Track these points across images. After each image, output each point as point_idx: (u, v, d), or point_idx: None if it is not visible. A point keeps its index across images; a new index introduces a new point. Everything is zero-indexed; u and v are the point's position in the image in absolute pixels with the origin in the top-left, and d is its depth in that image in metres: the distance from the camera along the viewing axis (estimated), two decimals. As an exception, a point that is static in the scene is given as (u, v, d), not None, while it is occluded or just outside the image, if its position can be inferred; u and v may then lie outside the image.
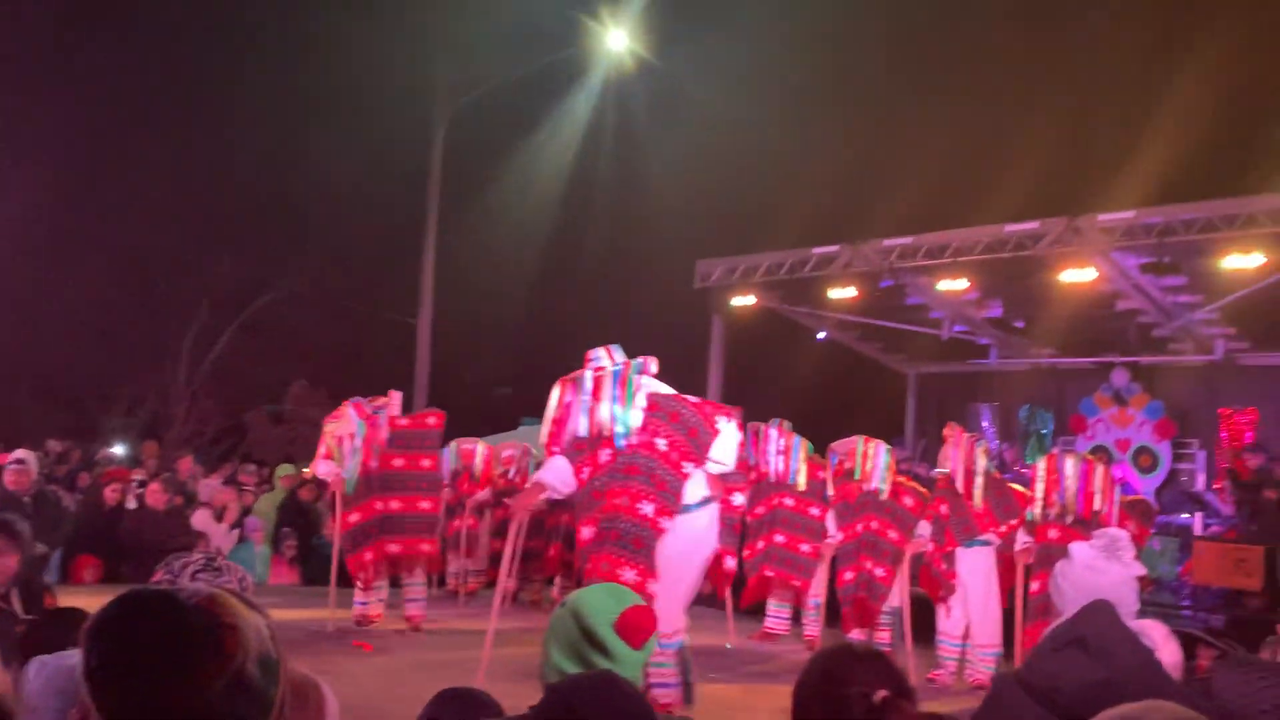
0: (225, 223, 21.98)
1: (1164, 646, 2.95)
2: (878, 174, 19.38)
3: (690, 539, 5.93)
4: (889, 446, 8.32)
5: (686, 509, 5.91)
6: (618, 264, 23.92)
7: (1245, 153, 14.43)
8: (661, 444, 5.81)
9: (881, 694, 1.70)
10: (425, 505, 8.07)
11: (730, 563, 7.76)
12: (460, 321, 21.79)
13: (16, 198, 18.12)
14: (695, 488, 5.93)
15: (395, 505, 7.92)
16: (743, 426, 7.01)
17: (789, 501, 8.72)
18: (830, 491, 8.40)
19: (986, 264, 11.61)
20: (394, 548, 7.91)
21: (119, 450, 16.95)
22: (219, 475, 12.69)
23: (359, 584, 7.87)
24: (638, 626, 2.20)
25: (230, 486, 11.59)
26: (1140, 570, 7.01)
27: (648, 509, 5.71)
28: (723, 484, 6.72)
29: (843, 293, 12.74)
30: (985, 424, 15.27)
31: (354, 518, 7.86)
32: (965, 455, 7.57)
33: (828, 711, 1.73)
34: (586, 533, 5.90)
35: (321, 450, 8.02)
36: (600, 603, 2.27)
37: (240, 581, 2.49)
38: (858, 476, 8.10)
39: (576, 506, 6.18)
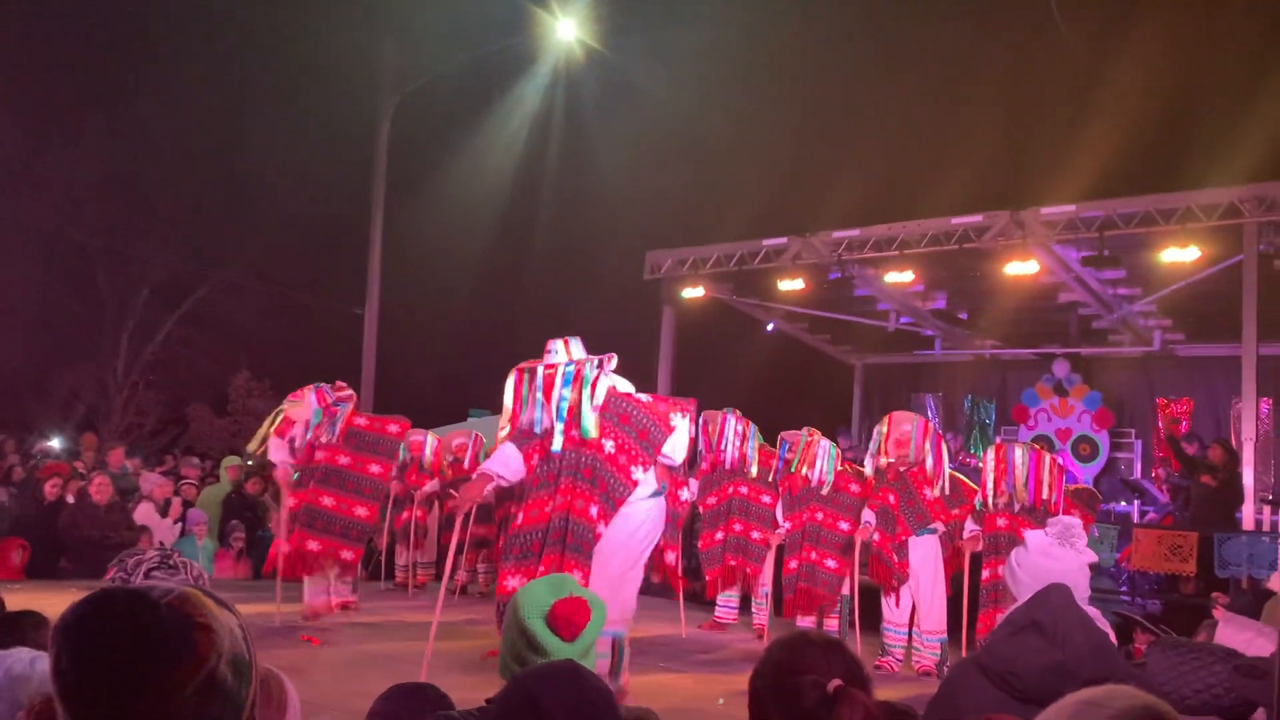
0: (164, 212, 21.53)
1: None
2: (827, 167, 19.51)
3: (634, 530, 5.96)
4: (833, 443, 8.43)
5: (633, 502, 5.94)
6: (567, 255, 23.86)
7: (1182, 147, 14.77)
8: (609, 446, 5.79)
9: (835, 683, 1.70)
10: (361, 512, 7.58)
11: (671, 556, 7.80)
12: (408, 313, 21.59)
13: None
14: (644, 484, 5.96)
15: (328, 502, 7.46)
16: (694, 418, 7.03)
17: (743, 490, 8.80)
18: (775, 479, 8.49)
19: (932, 256, 11.76)
20: (313, 545, 7.40)
21: (55, 443, 16.55)
22: (161, 469, 12.45)
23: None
24: (567, 619, 2.18)
25: (171, 480, 11.38)
26: (1092, 557, 7.19)
27: (593, 511, 5.73)
28: (670, 475, 6.77)
29: (792, 284, 12.83)
30: (930, 414, 15.48)
31: (291, 502, 7.55)
32: (934, 445, 7.68)
33: (782, 700, 1.73)
34: (521, 520, 5.85)
35: (271, 428, 7.55)
36: (536, 596, 2.26)
37: (196, 579, 2.45)
38: (803, 471, 8.22)
39: (525, 486, 6.04)
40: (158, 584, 1.21)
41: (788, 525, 8.39)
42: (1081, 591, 3.30)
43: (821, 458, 8.21)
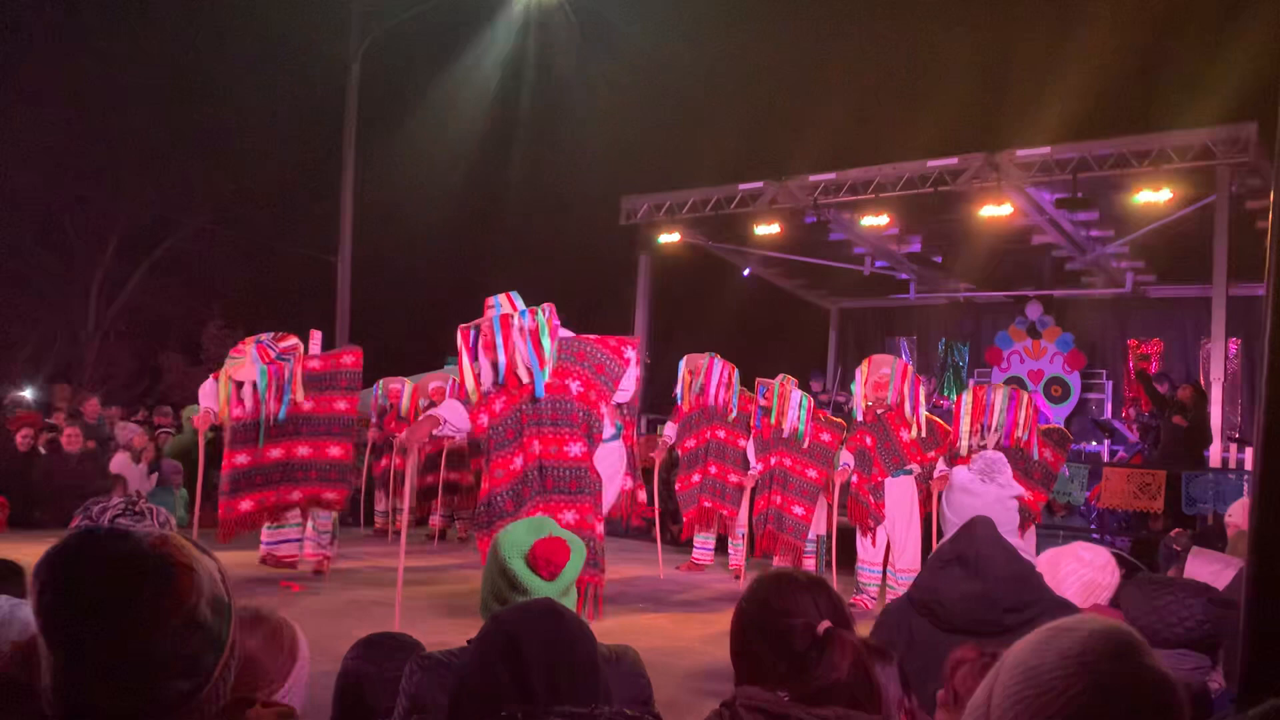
0: (130, 158, 21.14)
1: (1115, 569, 3.07)
2: (802, 110, 19.40)
3: (607, 474, 6.05)
4: (805, 394, 8.50)
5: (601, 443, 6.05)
6: (542, 201, 23.69)
7: (1155, 89, 14.76)
8: (575, 386, 5.94)
9: (824, 625, 1.72)
10: (335, 451, 7.40)
11: (642, 495, 7.94)
12: (381, 259, 21.41)
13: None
14: (606, 427, 6.06)
15: (304, 451, 7.28)
16: (638, 357, 7.13)
17: (720, 433, 8.88)
18: (755, 422, 8.57)
19: (907, 200, 11.76)
20: (296, 495, 7.27)
21: (27, 394, 16.40)
22: (135, 418, 12.37)
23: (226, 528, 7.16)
24: (547, 559, 2.20)
25: (146, 429, 11.31)
26: (1016, 490, 7.33)
27: (575, 450, 5.84)
28: (623, 416, 6.86)
29: (767, 229, 12.82)
30: (904, 357, 15.59)
31: (241, 459, 7.19)
32: (912, 388, 7.75)
33: (770, 642, 1.74)
34: (499, 474, 5.98)
35: (208, 385, 7.36)
36: (516, 536, 2.28)
37: (163, 525, 2.44)
38: (773, 418, 8.32)
39: (484, 449, 6.19)
40: (138, 528, 1.21)
41: (759, 467, 8.50)
42: (1007, 524, 3.36)
43: (793, 407, 8.29)
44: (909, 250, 14.28)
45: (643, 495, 7.97)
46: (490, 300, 6.13)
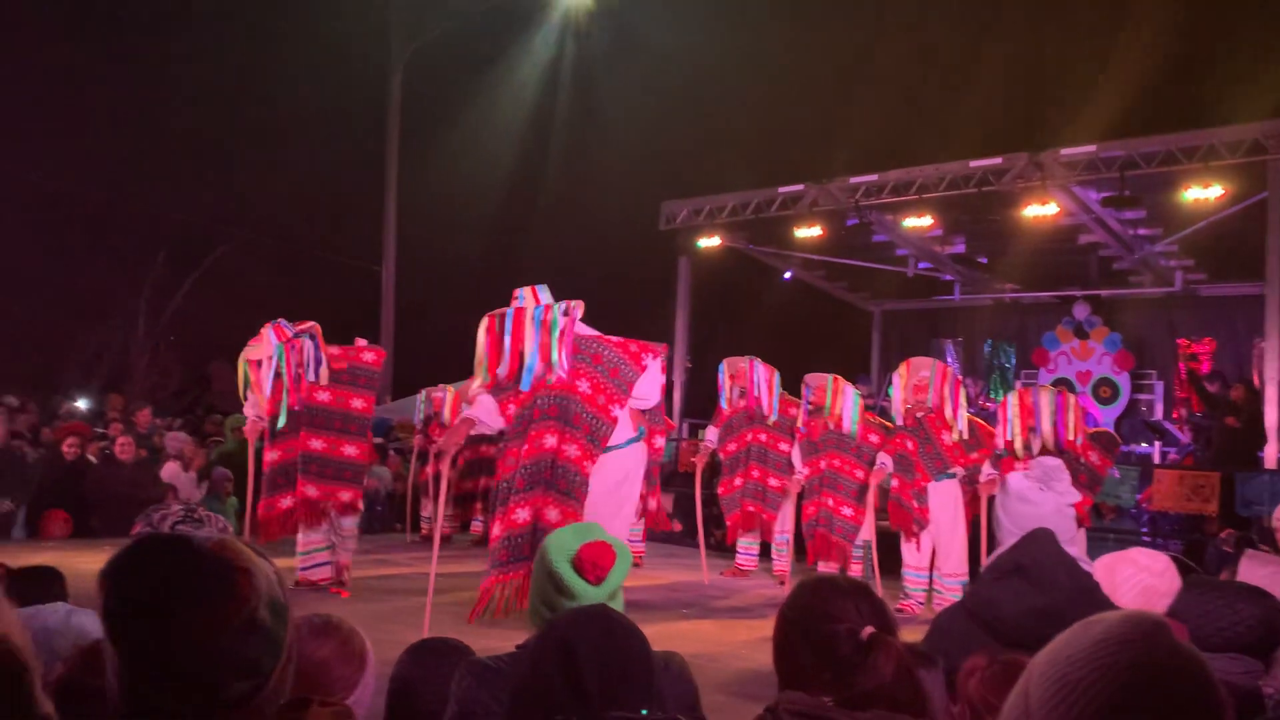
0: (177, 171, 21.53)
1: (1176, 575, 3.01)
2: (842, 111, 19.29)
3: (619, 480, 6.07)
4: (857, 390, 8.45)
5: (615, 448, 6.03)
6: (582, 206, 23.75)
7: (1205, 84, 14.51)
8: (584, 386, 5.94)
9: (868, 630, 1.71)
10: (350, 451, 7.09)
11: (653, 503, 7.93)
12: (424, 267, 21.60)
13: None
14: (622, 428, 6.04)
15: (317, 445, 6.99)
16: (665, 364, 7.10)
17: (762, 436, 8.85)
18: (802, 422, 8.49)
19: (950, 200, 11.65)
20: (311, 491, 6.97)
21: (81, 404, 16.73)
22: (185, 427, 12.57)
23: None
24: (593, 562, 2.19)
25: (197, 438, 11.50)
26: (1075, 497, 7.21)
27: (572, 451, 5.86)
28: (646, 420, 6.86)
29: (808, 232, 12.76)
30: (949, 359, 15.44)
31: (273, 455, 7.04)
32: (953, 391, 7.68)
33: (814, 647, 1.72)
34: (500, 468, 6.07)
35: (243, 378, 7.11)
36: (562, 541, 2.27)
37: (221, 531, 2.48)
38: (827, 415, 8.22)
39: (504, 442, 6.26)
40: (199, 532, 1.24)
41: (805, 471, 8.43)
42: (1066, 532, 3.29)
43: (848, 405, 8.21)
44: (953, 251, 14.15)
45: (653, 504, 7.98)
46: (516, 292, 6.17)
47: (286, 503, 7.03)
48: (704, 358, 13.99)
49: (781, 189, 12.82)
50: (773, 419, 8.80)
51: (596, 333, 6.25)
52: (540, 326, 5.91)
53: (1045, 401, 7.35)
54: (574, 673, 1.60)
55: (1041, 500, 3.46)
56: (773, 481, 8.76)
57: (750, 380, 8.82)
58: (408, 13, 18.15)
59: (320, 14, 20.00)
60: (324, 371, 7.02)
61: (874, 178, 12.04)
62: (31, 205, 19.78)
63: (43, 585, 3.09)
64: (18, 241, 19.58)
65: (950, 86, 18.95)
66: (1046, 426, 7.30)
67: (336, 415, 7.07)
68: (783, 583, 8.61)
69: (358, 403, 7.18)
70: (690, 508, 9.45)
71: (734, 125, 21.88)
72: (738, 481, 8.92)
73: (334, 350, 7.18)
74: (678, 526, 10.89)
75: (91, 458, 9.88)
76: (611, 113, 22.63)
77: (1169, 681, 1.01)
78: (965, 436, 7.67)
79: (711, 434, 9.20)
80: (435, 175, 22.05)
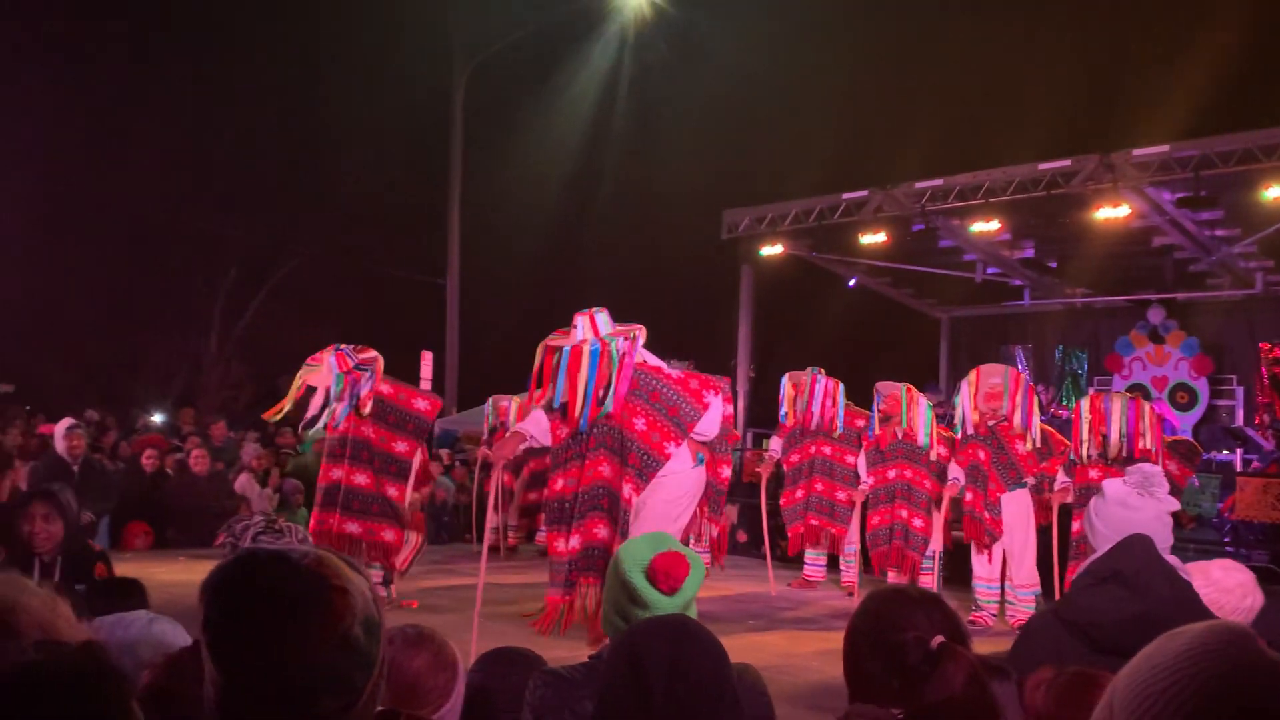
0: (245, 188, 22.05)
1: (1253, 593, 2.92)
2: (906, 115, 19.10)
3: (671, 497, 6.06)
4: (929, 400, 8.35)
5: (671, 471, 6.07)
6: (644, 217, 23.82)
7: (1283, 81, 14.10)
8: (640, 424, 5.93)
9: (938, 639, 1.67)
10: (391, 492, 6.93)
11: (714, 530, 7.86)
12: (487, 279, 21.82)
13: (33, 170, 18.21)
14: (679, 458, 6.05)
15: (362, 481, 6.86)
16: (728, 396, 7.07)
17: (826, 450, 8.77)
18: (875, 430, 8.38)
19: (1019, 204, 11.44)
20: (353, 528, 6.83)
21: (157, 419, 17.17)
22: (258, 439, 12.82)
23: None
24: (666, 572, 2.17)
25: (271, 450, 11.72)
26: (1174, 505, 7.00)
27: (625, 490, 5.88)
28: (709, 451, 6.82)
29: (873, 238, 12.61)
30: (1020, 366, 15.16)
31: (336, 474, 6.91)
32: (1026, 398, 7.54)
33: (883, 657, 1.70)
34: (559, 485, 6.13)
35: (293, 393, 6.86)
36: (636, 550, 2.26)
37: (301, 542, 2.52)
38: (903, 426, 8.13)
39: (553, 460, 6.30)
40: (298, 548, 1.27)
41: (869, 481, 8.33)
42: (1163, 540, 3.20)
43: (921, 416, 8.11)
44: (1022, 256, 13.89)
45: (715, 530, 7.89)
46: (576, 319, 6.11)
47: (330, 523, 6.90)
48: (767, 367, 13.92)
49: (845, 195, 12.70)
50: (838, 433, 8.71)
51: (658, 363, 6.22)
52: (597, 362, 5.90)
53: (1116, 408, 7.18)
54: (641, 683, 1.59)
55: (1142, 506, 3.36)
56: (840, 495, 8.66)
57: (811, 394, 8.73)
58: (469, 29, 18.37)
59: (384, 32, 20.37)
60: (361, 399, 6.85)
61: (940, 182, 11.87)
62: (102, 223, 20.38)
63: (125, 595, 3.17)
64: (89, 259, 20.20)
65: (1015, 88, 18.66)
66: (1115, 435, 7.13)
67: (378, 455, 6.92)
68: (851, 594, 8.50)
69: (400, 446, 7.00)
70: (755, 518, 9.37)
71: (796, 132, 21.77)
72: (799, 494, 8.85)
73: (386, 388, 6.98)
74: (742, 537, 10.83)
75: (169, 470, 10.13)
76: (671, 122, 22.69)
77: (1252, 692, 0.99)
78: (1038, 445, 7.51)
79: (776, 444, 9.14)
80: (498, 188, 22.28)
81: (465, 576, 8.58)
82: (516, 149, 22.85)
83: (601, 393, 5.91)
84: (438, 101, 19.49)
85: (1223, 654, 1.02)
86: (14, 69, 18.59)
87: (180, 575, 6.89)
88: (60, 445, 8.71)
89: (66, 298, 20.06)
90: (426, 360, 15.28)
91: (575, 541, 5.99)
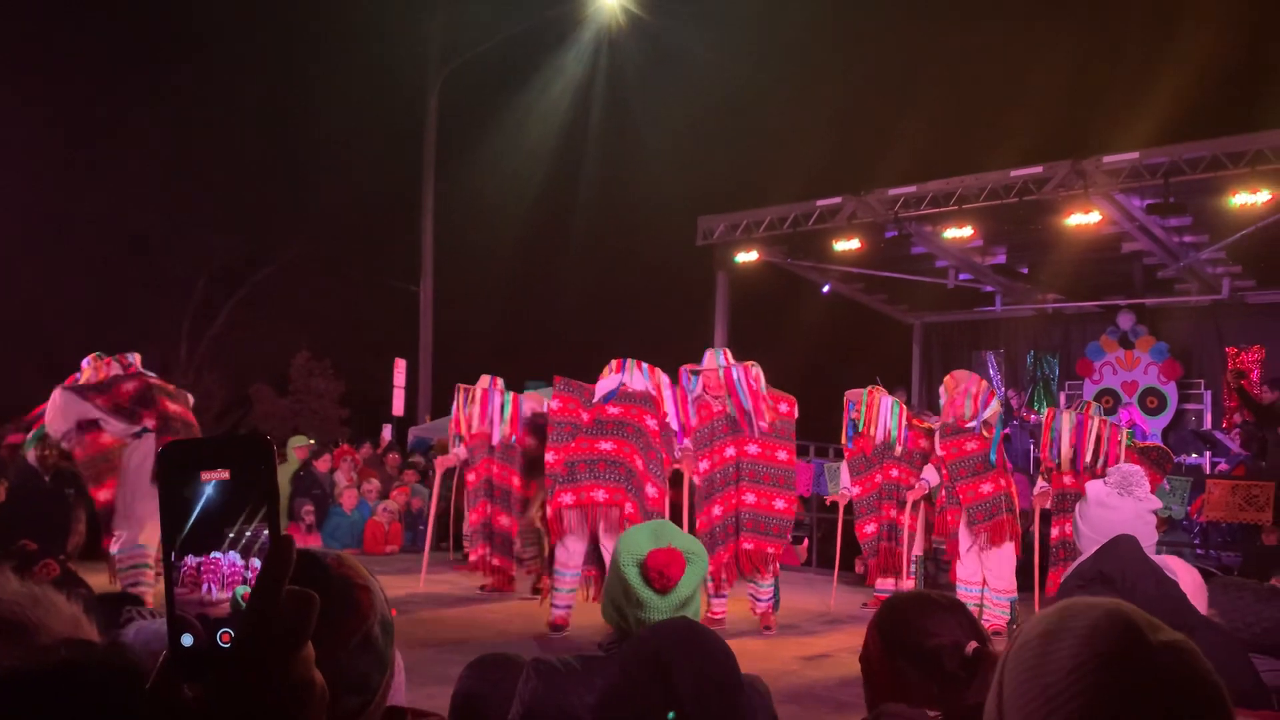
0: (216, 196, 21.88)
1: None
2: (880, 123, 19.24)
3: None
4: (895, 398, 8.35)
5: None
6: (619, 224, 23.85)
7: (1251, 88, 14.32)
8: (782, 455, 7.17)
9: (972, 645, 1.72)
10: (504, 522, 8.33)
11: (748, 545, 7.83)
12: (461, 285, 21.75)
13: (3, 179, 18.00)
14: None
15: (515, 482, 8.26)
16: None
17: (893, 473, 8.35)
18: (851, 442, 8.37)
19: (991, 210, 11.55)
20: (503, 521, 8.22)
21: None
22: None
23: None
24: (659, 570, 2.03)
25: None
26: (1155, 504, 7.08)
27: (780, 505, 7.09)
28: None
29: (847, 245, 12.69)
30: (991, 371, 15.29)
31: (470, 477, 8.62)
32: (986, 403, 7.60)
33: (917, 662, 1.73)
34: (717, 511, 7.12)
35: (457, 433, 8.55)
36: (634, 542, 2.11)
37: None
38: (870, 431, 8.14)
39: (701, 488, 7.25)
40: (321, 548, 1.26)
41: (855, 490, 8.34)
42: (1147, 539, 3.24)
43: (885, 415, 8.13)
44: (994, 262, 14.02)
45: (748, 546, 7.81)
46: (709, 353, 7.22)
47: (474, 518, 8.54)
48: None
49: (819, 202, 12.77)
50: (899, 450, 8.30)
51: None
52: (746, 390, 7.00)
53: (1065, 424, 7.35)
54: (670, 687, 1.59)
55: (1120, 505, 3.40)
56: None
57: (876, 413, 8.29)
58: (443, 35, 18.32)
59: (357, 37, 20.28)
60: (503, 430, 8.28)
61: (913, 189, 11.96)
62: (73, 229, 20.15)
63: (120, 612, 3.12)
64: (59, 265, 19.96)
65: (989, 97, 18.85)
66: (1065, 449, 7.26)
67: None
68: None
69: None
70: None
71: (770, 139, 21.90)
72: (870, 529, 8.42)
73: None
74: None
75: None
76: (647, 129, 22.74)
77: (1142, 681, 0.98)
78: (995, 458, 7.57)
79: (844, 474, 8.70)
80: (472, 194, 22.22)
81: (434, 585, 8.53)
82: (491, 156, 22.81)
83: (758, 410, 7.16)
84: (412, 108, 19.42)
85: (1115, 640, 1.01)
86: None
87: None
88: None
89: (39, 305, 19.81)
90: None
91: (602, 495, 6.72)
